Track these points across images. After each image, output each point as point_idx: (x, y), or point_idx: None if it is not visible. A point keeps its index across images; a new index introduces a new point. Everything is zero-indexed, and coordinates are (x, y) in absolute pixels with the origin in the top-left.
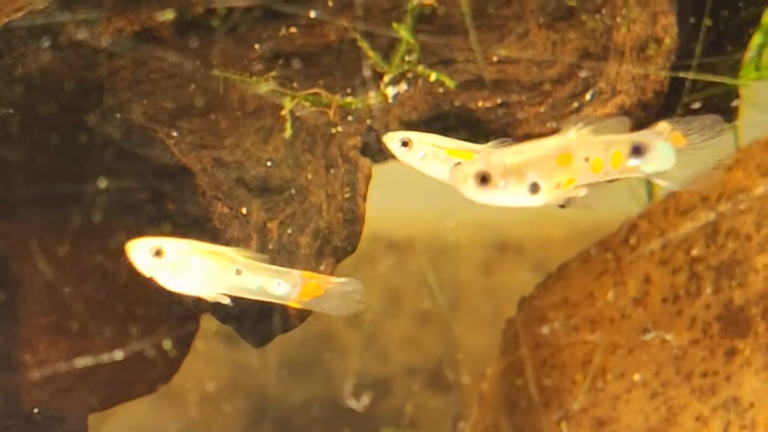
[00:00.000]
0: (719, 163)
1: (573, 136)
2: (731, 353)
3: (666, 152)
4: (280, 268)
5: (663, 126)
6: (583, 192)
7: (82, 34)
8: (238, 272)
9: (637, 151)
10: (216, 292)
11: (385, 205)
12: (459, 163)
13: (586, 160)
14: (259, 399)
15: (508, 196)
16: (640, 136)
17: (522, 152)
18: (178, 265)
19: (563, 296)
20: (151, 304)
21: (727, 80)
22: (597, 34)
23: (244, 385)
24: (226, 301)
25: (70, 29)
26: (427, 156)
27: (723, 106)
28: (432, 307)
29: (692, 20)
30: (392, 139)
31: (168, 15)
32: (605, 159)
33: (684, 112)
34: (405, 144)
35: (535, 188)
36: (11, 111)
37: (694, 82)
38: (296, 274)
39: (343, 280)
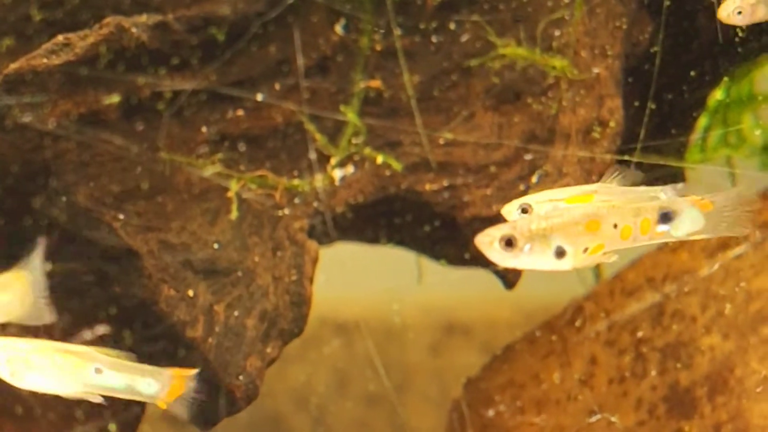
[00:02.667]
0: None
1: (602, 204)
2: None
3: (694, 217)
4: (148, 367)
5: (693, 197)
6: (613, 258)
7: (27, 117)
8: (98, 371)
9: (666, 217)
10: (76, 391)
11: (332, 288)
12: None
13: (615, 226)
14: None
15: (534, 260)
16: (669, 203)
17: (549, 217)
18: (16, 364)
19: (509, 378)
20: None
21: (673, 163)
22: (543, 117)
23: None
24: (98, 399)
25: (16, 112)
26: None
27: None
28: (379, 389)
29: (637, 103)
30: (511, 211)
31: (114, 98)
32: (634, 225)
33: None
34: (525, 211)
35: (561, 253)
36: None
37: (640, 164)
38: (167, 373)
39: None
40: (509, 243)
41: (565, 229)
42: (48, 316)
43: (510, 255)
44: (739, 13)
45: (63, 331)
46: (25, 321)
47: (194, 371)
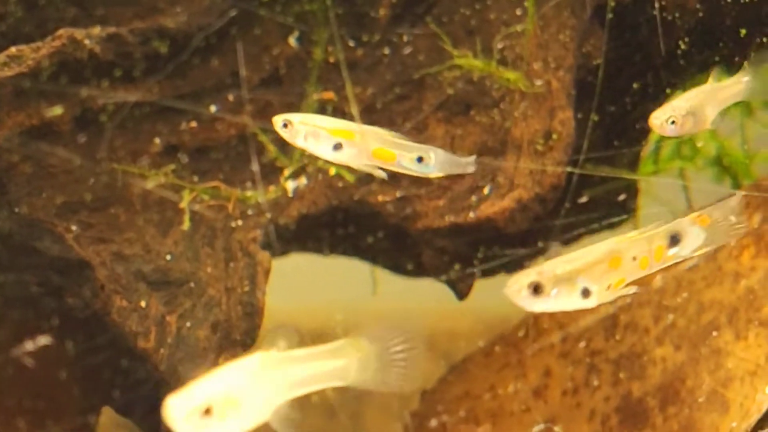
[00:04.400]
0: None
1: (619, 239)
2: None
3: (697, 234)
4: None
5: (691, 216)
6: (633, 289)
7: None
8: None
9: (674, 239)
10: None
11: (292, 298)
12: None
13: (634, 258)
14: None
15: (561, 303)
16: (675, 226)
17: (573, 260)
18: None
19: (465, 389)
20: (40, 398)
21: (625, 174)
22: (495, 129)
23: None
24: None
25: None
26: (308, 136)
27: (623, 199)
28: (339, 399)
29: (593, 115)
30: (276, 122)
31: (56, 111)
32: (650, 254)
33: (576, 206)
34: (285, 125)
35: (586, 292)
36: None
37: (591, 176)
38: None
39: None
40: (536, 289)
41: (590, 269)
42: (394, 384)
43: (538, 300)
44: (673, 122)
45: (4, 342)
46: (367, 386)
47: None
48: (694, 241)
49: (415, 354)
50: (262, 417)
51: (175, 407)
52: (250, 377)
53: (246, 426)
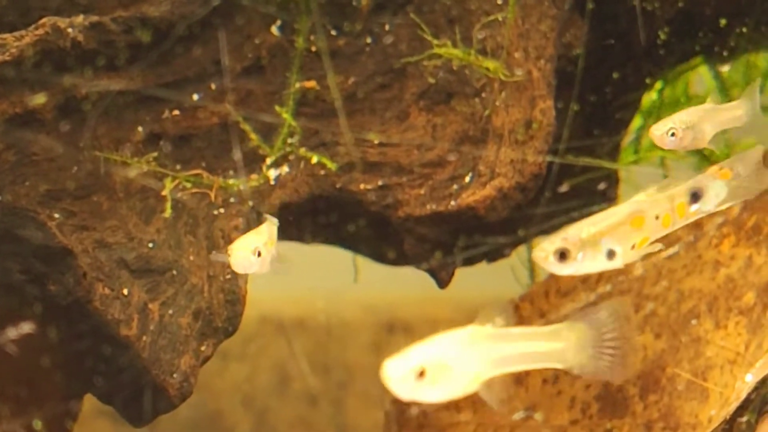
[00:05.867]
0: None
1: (641, 198)
2: None
3: (719, 188)
4: None
5: (712, 169)
6: (658, 247)
7: None
8: None
9: (695, 196)
10: None
11: (273, 286)
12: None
13: (657, 217)
14: None
15: (588, 266)
16: (696, 182)
17: (596, 223)
18: None
19: None
20: (22, 384)
21: (606, 164)
22: (476, 118)
23: None
24: None
25: None
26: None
27: (603, 188)
28: (321, 387)
29: (574, 104)
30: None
31: (39, 99)
32: (672, 212)
33: (557, 195)
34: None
35: (611, 254)
36: None
37: (572, 165)
38: None
39: None
40: (563, 255)
41: (613, 231)
42: (604, 372)
43: (565, 265)
44: (673, 134)
45: None
46: (581, 371)
47: None
48: (717, 196)
49: (627, 345)
50: (470, 388)
51: (392, 368)
52: (461, 348)
53: (454, 393)
